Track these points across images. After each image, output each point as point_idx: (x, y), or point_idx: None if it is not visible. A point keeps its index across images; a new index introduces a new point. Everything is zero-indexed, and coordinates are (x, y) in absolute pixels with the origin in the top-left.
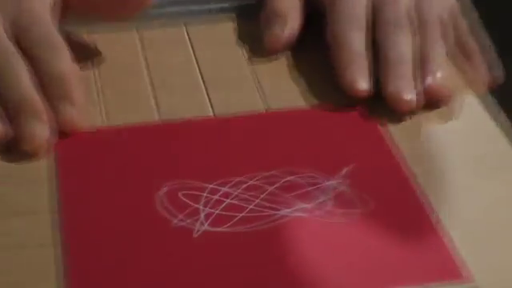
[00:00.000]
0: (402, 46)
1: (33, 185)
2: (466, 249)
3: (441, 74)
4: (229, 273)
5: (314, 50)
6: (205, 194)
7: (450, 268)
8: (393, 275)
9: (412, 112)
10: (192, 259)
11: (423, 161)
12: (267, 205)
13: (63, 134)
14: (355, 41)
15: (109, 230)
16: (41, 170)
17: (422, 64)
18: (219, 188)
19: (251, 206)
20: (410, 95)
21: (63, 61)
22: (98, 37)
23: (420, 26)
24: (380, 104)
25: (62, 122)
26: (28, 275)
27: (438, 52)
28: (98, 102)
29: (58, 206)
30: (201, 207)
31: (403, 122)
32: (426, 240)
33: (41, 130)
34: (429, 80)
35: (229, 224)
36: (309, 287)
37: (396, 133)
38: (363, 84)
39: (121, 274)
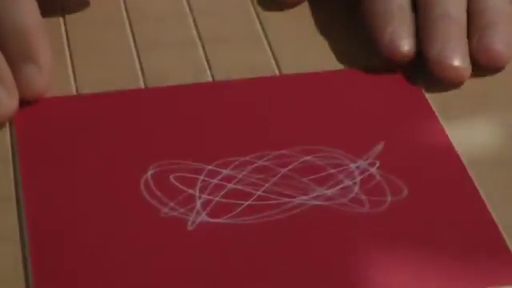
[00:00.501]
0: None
1: None
2: None
3: (499, 34)
4: (230, 274)
5: (339, 3)
6: (201, 178)
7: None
8: (436, 280)
9: (461, 82)
10: (185, 257)
11: (476, 145)
12: (279, 191)
13: (25, 101)
14: None
15: (82, 222)
16: None
17: (474, 21)
18: (219, 170)
19: (259, 193)
20: (457, 61)
21: (26, 13)
22: None
23: None
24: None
25: (23, 86)
26: None
27: (497, 5)
28: (70, 63)
29: (20, 193)
30: (197, 193)
31: (453, 93)
32: (479, 238)
33: (5, 98)
34: (483, 42)
35: (231, 214)
36: None
37: (444, 105)
38: (406, 44)
39: (97, 275)
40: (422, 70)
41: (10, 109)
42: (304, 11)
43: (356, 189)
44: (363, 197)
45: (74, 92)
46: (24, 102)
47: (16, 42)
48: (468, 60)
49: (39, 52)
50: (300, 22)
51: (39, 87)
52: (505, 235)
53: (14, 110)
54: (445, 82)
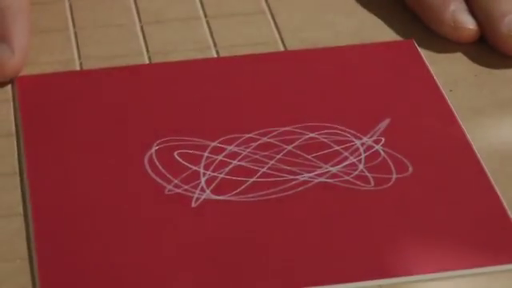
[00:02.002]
0: None
1: None
2: None
3: None
4: (234, 251)
5: None
6: (206, 154)
7: None
8: (442, 258)
9: None
10: (190, 234)
11: (482, 123)
12: (284, 168)
13: (25, 80)
14: None
15: (85, 198)
16: (1, 122)
17: None
18: (224, 146)
19: (264, 170)
20: None
21: None
22: None
23: None
24: (436, 40)
25: None
26: None
27: None
28: (74, 38)
29: (23, 170)
30: (201, 170)
31: (460, 69)
32: (484, 215)
33: None
34: None
35: (236, 191)
36: (335, 270)
37: (451, 81)
38: (470, 23)
39: (99, 251)
40: (429, 46)
41: None
42: None
43: (361, 166)
44: (368, 174)
45: (78, 67)
46: (27, 78)
47: None
48: None
49: (14, 33)
50: None
51: (9, 68)
52: (509, 211)
53: None
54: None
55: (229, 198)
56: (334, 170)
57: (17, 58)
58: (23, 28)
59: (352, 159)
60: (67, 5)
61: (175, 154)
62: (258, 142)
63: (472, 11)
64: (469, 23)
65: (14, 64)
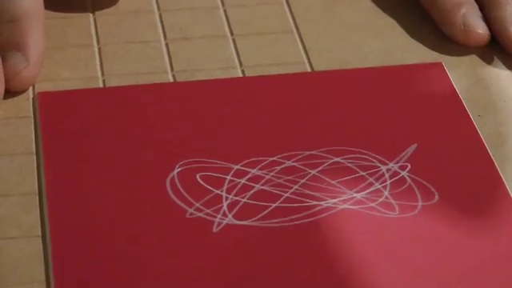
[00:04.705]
0: None
1: (10, 160)
2: None
3: None
4: (256, 278)
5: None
6: (229, 178)
7: None
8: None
9: None
10: (210, 259)
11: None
12: (308, 193)
13: (47, 96)
14: None
15: (105, 219)
16: (21, 139)
17: None
18: (247, 170)
19: (287, 195)
20: None
21: (26, 2)
22: None
23: None
24: (462, 65)
25: (9, 76)
26: (12, 272)
27: None
28: (97, 54)
29: (42, 190)
30: (223, 194)
31: (488, 93)
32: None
33: None
34: None
35: (258, 216)
36: None
37: (479, 106)
38: (481, 27)
39: (118, 274)
40: (458, 69)
41: None
42: (337, 6)
43: (386, 192)
44: (393, 201)
45: (101, 84)
46: (49, 94)
47: (9, 29)
48: None
49: (30, 42)
50: (333, 17)
51: (24, 78)
52: None
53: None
54: None
55: (251, 224)
56: (358, 196)
57: (31, 67)
58: (38, 37)
59: (377, 185)
60: (92, 20)
61: (197, 176)
62: (282, 166)
63: (485, 16)
64: (479, 27)
65: (28, 73)
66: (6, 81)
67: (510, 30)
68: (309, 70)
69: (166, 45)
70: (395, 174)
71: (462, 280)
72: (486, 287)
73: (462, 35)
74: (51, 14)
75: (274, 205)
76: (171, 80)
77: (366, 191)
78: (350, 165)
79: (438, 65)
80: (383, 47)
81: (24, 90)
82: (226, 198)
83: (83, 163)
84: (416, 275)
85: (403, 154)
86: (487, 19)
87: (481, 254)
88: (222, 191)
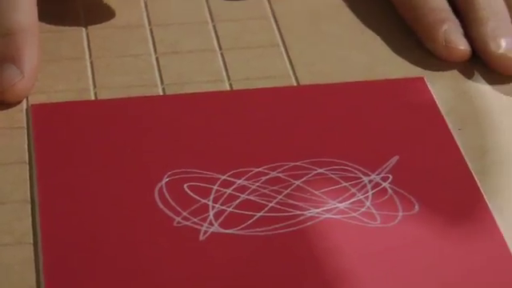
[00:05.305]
0: None
1: (3, 170)
2: None
3: None
4: (241, 286)
5: (365, 14)
6: (215, 187)
7: None
8: None
9: None
10: (197, 267)
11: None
12: (292, 203)
13: (40, 107)
14: None
15: (95, 228)
16: (14, 149)
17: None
18: (233, 180)
19: (272, 204)
20: None
21: (20, 15)
22: None
23: None
24: (443, 79)
25: (3, 88)
26: (4, 277)
27: None
28: (89, 67)
29: (35, 198)
30: (210, 203)
31: (468, 107)
32: (490, 258)
33: None
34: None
35: (244, 225)
36: None
37: (459, 119)
38: (463, 43)
39: (107, 281)
40: (440, 83)
41: None
42: (322, 22)
43: (368, 203)
44: (374, 211)
45: (93, 97)
46: (42, 106)
47: (4, 43)
48: None
49: (25, 56)
50: (318, 32)
51: (19, 91)
52: None
53: None
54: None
55: (236, 232)
56: (341, 206)
57: (26, 80)
58: (33, 51)
59: (359, 196)
60: (84, 34)
61: (185, 186)
62: (268, 177)
63: (467, 33)
64: (460, 44)
65: (23, 86)
66: (1, 93)
67: (491, 45)
68: (294, 83)
69: (157, 59)
70: (377, 184)
71: (441, 286)
72: None
73: (444, 51)
74: (45, 27)
75: (258, 214)
76: (161, 93)
77: (349, 201)
78: (333, 176)
79: (420, 79)
80: (367, 61)
81: (18, 102)
82: (213, 208)
83: (75, 173)
84: (397, 282)
85: (385, 165)
86: (469, 35)
87: (459, 262)
88: (208, 201)
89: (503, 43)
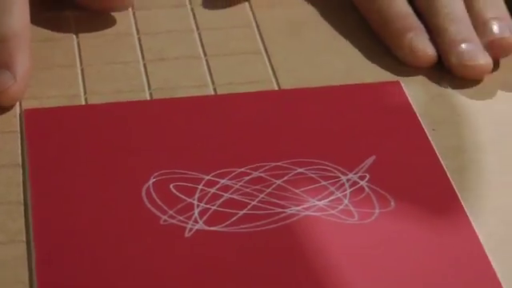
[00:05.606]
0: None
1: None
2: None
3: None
4: (225, 280)
5: (343, 20)
6: (200, 187)
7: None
8: None
9: (483, 76)
10: (183, 262)
11: (459, 154)
12: (273, 201)
13: (33, 112)
14: (400, 4)
15: (86, 226)
16: (8, 153)
17: (478, 19)
18: (217, 180)
19: (254, 203)
20: (483, 58)
21: (12, 21)
22: None
23: None
24: (418, 83)
25: None
26: None
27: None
28: (80, 74)
29: (27, 199)
30: (195, 202)
31: (442, 108)
32: (463, 251)
33: None
34: (493, 33)
35: (227, 222)
36: None
37: (433, 121)
38: (428, 48)
39: (97, 277)
40: (415, 87)
41: None
42: (303, 30)
43: (346, 201)
44: (352, 208)
45: (84, 102)
46: (35, 111)
47: None
48: (486, 54)
49: (17, 60)
50: (299, 39)
51: (12, 94)
52: (485, 246)
53: None
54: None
55: (220, 229)
56: (320, 204)
57: (19, 84)
58: (25, 56)
59: (338, 194)
60: (75, 42)
61: (171, 186)
62: (250, 176)
63: (432, 38)
64: (426, 48)
65: (16, 90)
66: None
67: (449, 55)
68: (276, 88)
69: (144, 65)
70: (355, 183)
71: (417, 279)
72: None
73: (411, 57)
74: (38, 36)
75: (241, 212)
76: (148, 98)
77: (328, 199)
78: (312, 175)
79: (396, 83)
80: (345, 67)
81: (12, 106)
82: (198, 206)
83: (66, 175)
84: (373, 276)
85: (362, 165)
86: (433, 40)
87: (433, 256)
88: (193, 200)
89: (461, 51)
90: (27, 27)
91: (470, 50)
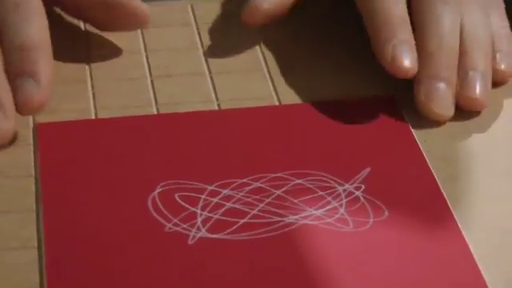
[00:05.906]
0: (444, 21)
1: (11, 182)
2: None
3: (483, 84)
4: (226, 285)
5: (340, 37)
6: (203, 197)
7: None
8: None
9: (444, 122)
10: (186, 268)
11: (451, 165)
12: (272, 210)
13: (45, 126)
14: (396, 9)
15: (94, 234)
16: (21, 164)
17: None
18: (220, 190)
19: (254, 212)
20: (444, 109)
21: (34, 30)
22: None
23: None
24: (411, 96)
25: (21, 101)
26: (10, 278)
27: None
28: (90, 89)
29: (39, 207)
30: (198, 211)
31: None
32: (453, 259)
33: (2, 122)
34: (468, 92)
35: (229, 230)
36: None
37: (426, 134)
38: (407, 60)
39: (104, 284)
40: (408, 100)
41: (7, 131)
42: (302, 49)
43: (342, 210)
44: (348, 217)
45: (93, 116)
46: (47, 124)
47: (19, 56)
48: (452, 106)
49: (40, 68)
50: (299, 57)
51: (37, 103)
52: (473, 251)
53: (11, 131)
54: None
55: (222, 237)
56: (317, 213)
57: (43, 92)
58: (48, 64)
59: (334, 204)
60: (86, 59)
61: (176, 195)
62: (251, 187)
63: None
64: (406, 60)
65: (40, 98)
66: (21, 104)
67: (417, 92)
68: (277, 103)
69: (152, 81)
70: (350, 193)
71: (407, 284)
72: None
73: (390, 67)
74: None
75: (242, 220)
76: (155, 112)
77: (324, 209)
78: (310, 186)
79: (391, 97)
80: (344, 81)
81: (36, 113)
82: (201, 215)
83: (76, 185)
84: (368, 282)
85: (358, 176)
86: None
87: (425, 263)
88: (197, 209)
89: (431, 89)
90: (48, 37)
91: (435, 97)
